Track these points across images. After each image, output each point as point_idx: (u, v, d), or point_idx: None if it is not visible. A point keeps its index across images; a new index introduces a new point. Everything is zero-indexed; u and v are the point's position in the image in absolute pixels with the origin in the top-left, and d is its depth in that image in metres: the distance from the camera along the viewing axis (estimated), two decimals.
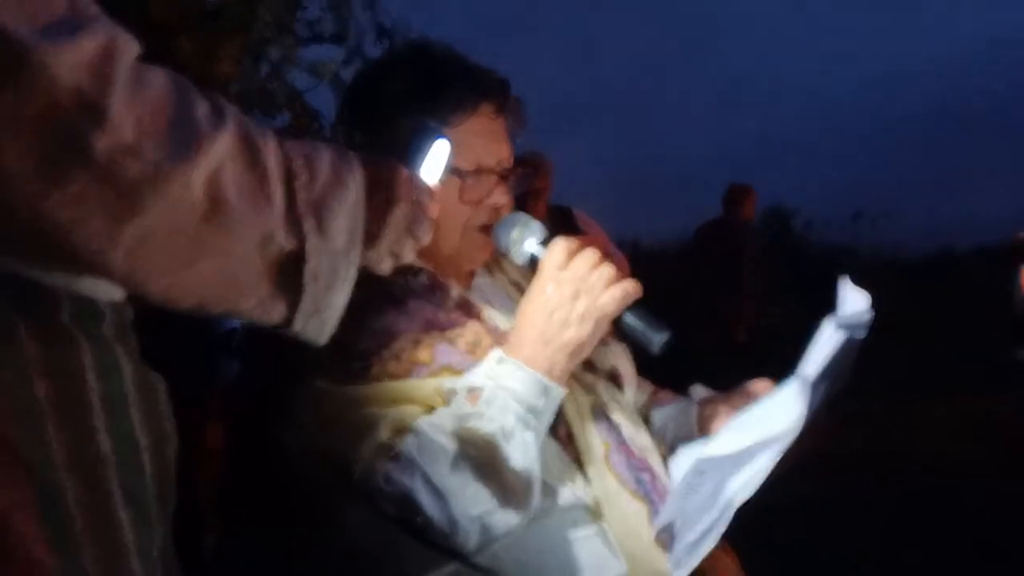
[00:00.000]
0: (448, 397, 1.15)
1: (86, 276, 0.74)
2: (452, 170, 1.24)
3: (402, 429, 1.12)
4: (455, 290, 1.29)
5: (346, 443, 1.13)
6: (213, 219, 0.72)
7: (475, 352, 1.21)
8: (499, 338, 1.23)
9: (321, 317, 0.85)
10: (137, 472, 0.80)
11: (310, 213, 0.80)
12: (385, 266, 0.96)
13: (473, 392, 1.14)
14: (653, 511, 1.23)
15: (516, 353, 1.16)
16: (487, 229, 1.29)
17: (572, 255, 1.18)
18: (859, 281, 1.21)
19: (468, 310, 1.28)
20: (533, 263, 1.23)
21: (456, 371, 1.18)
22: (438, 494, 1.09)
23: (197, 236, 0.72)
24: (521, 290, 1.38)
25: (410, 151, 1.06)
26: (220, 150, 0.72)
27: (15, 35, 0.62)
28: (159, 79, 0.70)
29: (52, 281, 0.74)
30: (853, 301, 1.20)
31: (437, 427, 1.12)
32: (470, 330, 1.24)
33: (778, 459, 1.14)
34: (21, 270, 0.72)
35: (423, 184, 1.00)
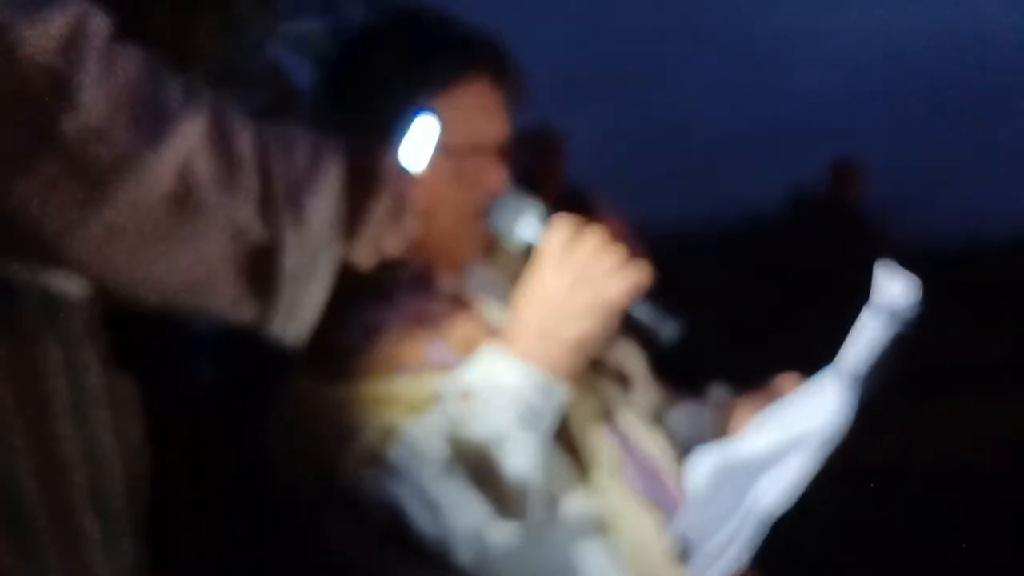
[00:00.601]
0: (439, 397, 1.09)
1: (51, 269, 0.73)
2: (443, 148, 1.17)
3: (390, 433, 1.07)
4: (447, 281, 1.22)
5: (331, 447, 1.08)
6: (184, 209, 0.71)
7: (469, 348, 1.14)
8: (495, 333, 1.17)
9: (299, 315, 0.82)
10: (106, 480, 0.78)
11: (287, 204, 0.77)
12: (368, 260, 0.92)
13: (466, 391, 1.08)
14: (666, 522, 1.17)
15: (512, 347, 1.09)
16: (482, 214, 1.21)
17: (573, 238, 1.11)
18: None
19: (461, 303, 1.22)
20: (531, 248, 1.16)
21: (447, 369, 1.12)
22: (430, 505, 1.04)
23: (167, 227, 0.71)
24: (519, 280, 1.32)
25: (394, 131, 1.01)
26: (192, 136, 0.71)
27: None
28: (132, 60, 0.69)
29: (18, 275, 0.72)
30: (895, 288, 1.13)
31: (427, 431, 1.06)
32: (462, 326, 1.18)
33: (816, 461, 1.08)
34: None
35: (408, 171, 0.96)
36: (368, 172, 0.88)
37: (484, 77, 1.20)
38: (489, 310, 1.24)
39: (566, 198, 3.43)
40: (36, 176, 0.65)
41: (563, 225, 1.12)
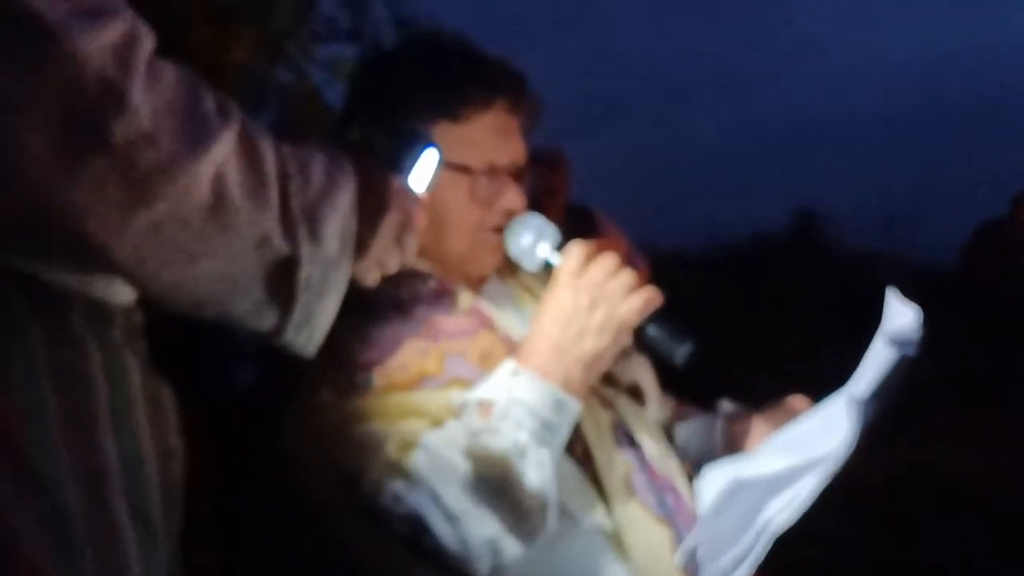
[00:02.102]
0: (458, 410, 1.13)
1: (94, 271, 0.76)
2: (463, 169, 1.23)
3: (410, 445, 1.10)
4: (465, 297, 1.26)
5: (353, 458, 1.11)
6: (217, 216, 0.74)
7: (487, 363, 1.18)
8: (512, 348, 1.20)
9: (311, 326, 0.86)
10: (143, 486, 0.80)
11: (303, 218, 0.81)
12: (372, 277, 0.96)
13: (485, 405, 1.11)
14: (678, 536, 1.20)
15: (530, 364, 1.13)
16: (499, 231, 1.26)
17: (589, 261, 1.15)
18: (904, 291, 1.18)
19: (479, 318, 1.25)
20: (547, 269, 1.21)
21: (466, 383, 1.15)
22: (449, 515, 1.07)
23: (202, 232, 0.74)
24: (536, 296, 1.35)
25: (402, 156, 1.05)
26: (226, 147, 0.74)
27: (47, 17, 0.65)
28: (171, 72, 0.73)
29: (63, 281, 0.76)
30: (901, 315, 1.16)
31: (447, 443, 1.09)
32: (482, 339, 1.21)
33: (823, 484, 1.11)
34: (31, 266, 0.74)
35: (412, 193, 0.99)
36: (378, 191, 0.92)
37: (502, 102, 1.25)
38: (507, 325, 1.27)
39: (569, 215, 3.47)
40: (86, 176, 0.67)
41: (579, 247, 1.17)
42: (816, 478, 1.11)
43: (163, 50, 0.74)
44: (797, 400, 1.36)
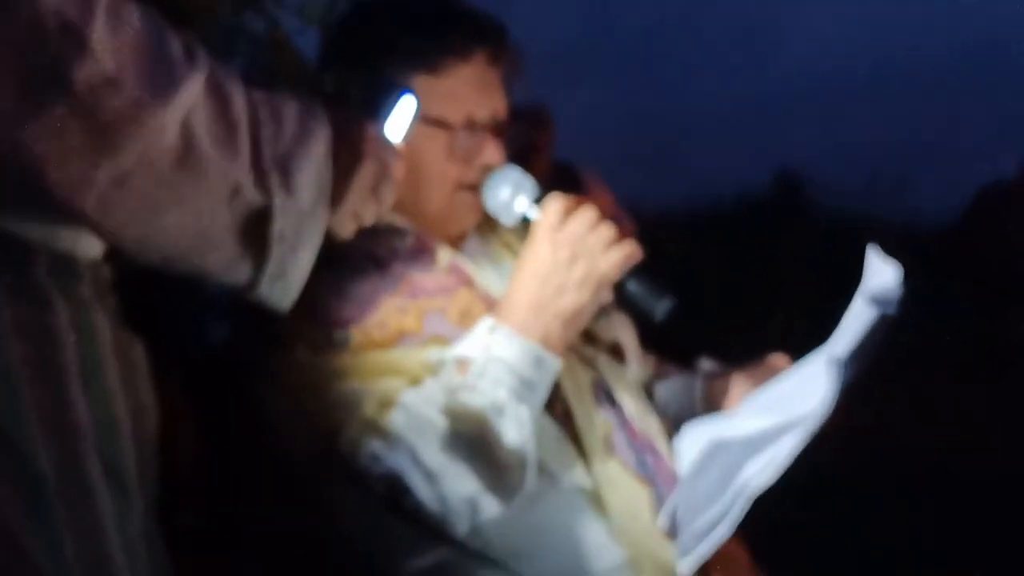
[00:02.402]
0: (436, 368, 1.11)
1: (58, 222, 0.74)
2: (440, 123, 1.20)
3: (389, 403, 1.09)
4: (444, 253, 1.24)
5: (330, 417, 1.10)
6: (186, 164, 0.72)
7: (466, 321, 1.16)
8: (492, 305, 1.19)
9: (286, 280, 0.84)
10: (116, 443, 0.79)
11: (276, 168, 0.79)
12: (347, 229, 0.95)
13: (463, 363, 1.10)
14: (657, 495, 1.20)
15: (508, 320, 1.12)
16: (477, 188, 1.24)
17: (568, 215, 1.13)
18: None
19: (458, 275, 1.23)
20: (525, 224, 1.19)
21: (446, 341, 1.14)
22: (428, 474, 1.06)
23: (170, 182, 0.72)
24: (516, 253, 1.32)
25: (378, 105, 1.03)
26: (194, 92, 0.72)
27: None
28: (135, 14, 0.70)
29: (29, 234, 0.73)
30: (881, 273, 1.16)
31: (425, 401, 1.08)
32: (461, 297, 1.20)
33: (802, 445, 1.10)
34: None
35: (389, 143, 0.97)
36: (352, 140, 0.90)
37: (482, 54, 1.23)
38: (487, 282, 1.26)
39: (555, 173, 3.43)
40: (47, 122, 0.65)
41: (557, 201, 1.15)
42: (794, 439, 1.11)
43: None
44: (778, 358, 1.35)
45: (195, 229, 0.76)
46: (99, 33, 0.66)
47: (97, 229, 0.74)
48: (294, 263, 0.83)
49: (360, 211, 0.94)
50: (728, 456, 1.15)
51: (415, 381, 1.11)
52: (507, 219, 1.22)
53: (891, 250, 1.19)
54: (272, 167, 0.79)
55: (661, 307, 1.14)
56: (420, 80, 1.20)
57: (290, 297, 0.86)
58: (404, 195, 1.22)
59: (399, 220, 1.24)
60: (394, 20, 1.23)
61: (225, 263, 0.80)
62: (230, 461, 1.22)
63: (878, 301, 1.12)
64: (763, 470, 1.12)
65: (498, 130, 1.25)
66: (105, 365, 0.79)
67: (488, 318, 1.13)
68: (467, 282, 1.23)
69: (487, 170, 1.24)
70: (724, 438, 1.14)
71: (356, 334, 1.13)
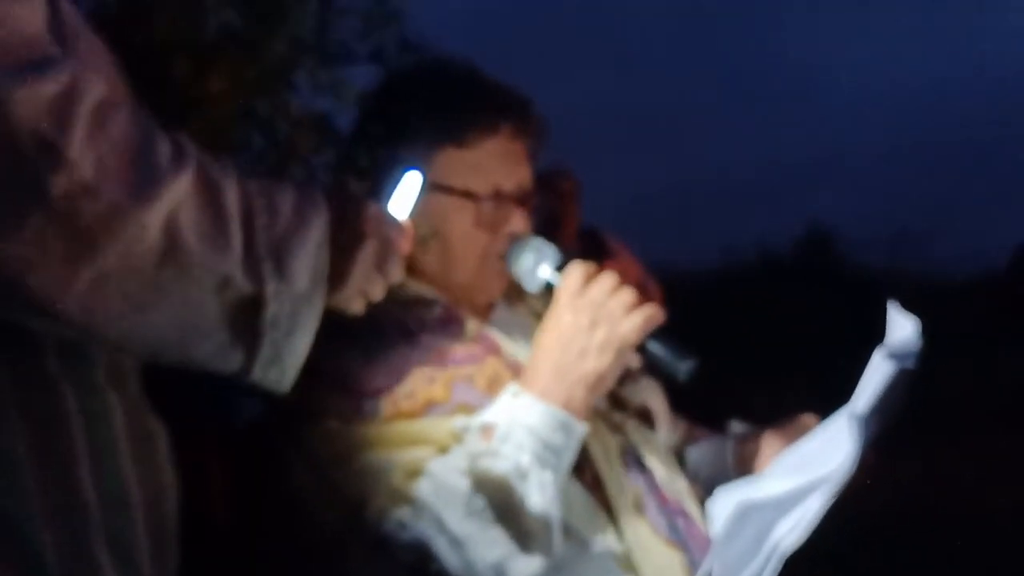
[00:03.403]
0: (461, 435, 1.10)
1: (41, 324, 0.73)
2: (468, 194, 1.21)
3: (416, 473, 1.07)
4: (471, 323, 1.23)
5: (359, 487, 1.08)
6: (170, 261, 0.71)
7: (493, 389, 1.15)
8: (519, 373, 1.17)
9: (282, 364, 0.82)
10: (127, 526, 0.78)
11: (269, 256, 0.78)
12: (356, 306, 0.94)
13: (487, 428, 1.08)
14: (690, 560, 1.16)
15: (531, 386, 1.10)
16: (504, 257, 1.23)
17: (589, 280, 1.13)
18: (905, 306, 1.15)
19: (486, 344, 1.22)
20: (548, 290, 1.18)
21: (473, 409, 1.12)
22: (454, 540, 1.04)
23: (154, 279, 0.71)
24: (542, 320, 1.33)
25: (384, 181, 1.03)
26: (179, 191, 0.72)
27: None
28: (122, 119, 0.71)
29: (37, 327, 0.73)
30: (901, 328, 1.13)
31: (450, 468, 1.07)
32: (488, 366, 1.19)
33: (829, 502, 1.08)
34: None
35: (392, 219, 0.97)
36: (352, 222, 0.89)
37: (508, 128, 1.23)
38: (514, 350, 1.24)
39: (581, 238, 3.43)
40: (25, 233, 0.65)
41: (578, 268, 1.15)
42: (821, 497, 1.08)
43: (143, 81, 0.73)
44: (807, 418, 1.32)
45: (182, 322, 0.75)
46: (77, 145, 0.67)
47: (77, 329, 0.73)
48: (289, 347, 0.82)
49: (367, 288, 0.94)
50: (758, 518, 1.12)
51: (443, 450, 1.10)
52: (531, 285, 1.21)
53: (918, 303, 1.17)
54: (265, 255, 0.78)
55: (684, 368, 1.12)
56: (448, 153, 1.21)
57: (287, 380, 0.84)
58: (433, 266, 1.23)
59: (428, 291, 1.24)
60: (423, 95, 1.24)
61: (215, 352, 0.79)
62: (260, 530, 1.20)
63: (897, 356, 1.10)
64: (793, 530, 1.09)
65: (524, 199, 1.25)
66: (118, 448, 0.79)
67: (513, 384, 1.12)
68: (495, 350, 1.22)
69: (513, 239, 1.23)
70: (753, 500, 1.11)
71: (386, 404, 1.12)
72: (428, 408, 1.13)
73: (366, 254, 0.90)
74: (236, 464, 1.23)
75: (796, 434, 1.27)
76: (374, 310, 1.12)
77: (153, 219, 0.70)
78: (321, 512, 1.11)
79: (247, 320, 0.78)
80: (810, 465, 1.10)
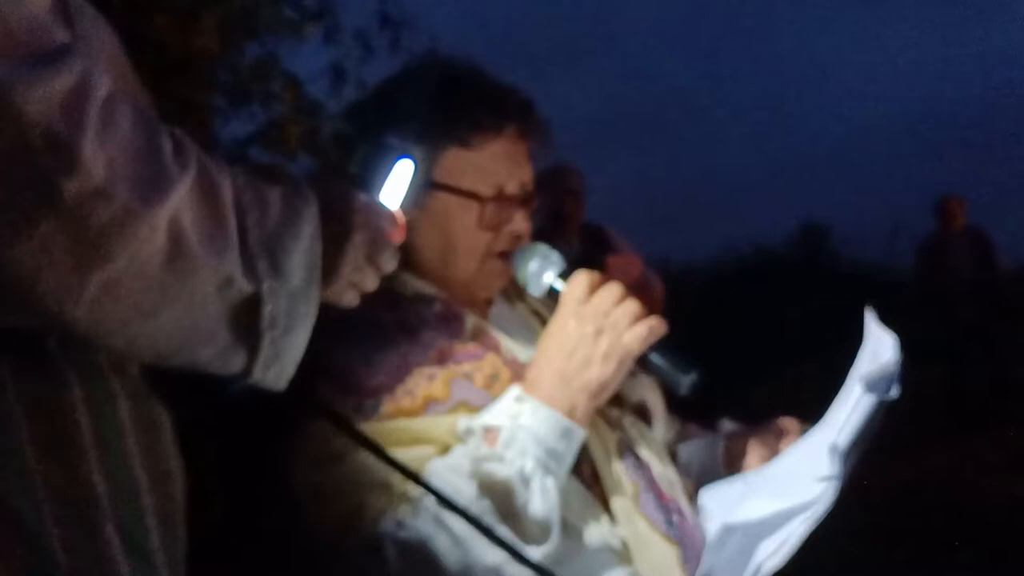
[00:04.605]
0: (464, 436, 1.09)
1: (48, 331, 0.70)
2: (472, 195, 1.20)
3: (417, 472, 1.05)
4: (471, 320, 1.22)
5: (357, 486, 1.07)
6: (176, 263, 0.68)
7: (493, 387, 1.14)
8: (518, 371, 1.17)
9: (281, 362, 0.80)
10: (137, 515, 0.76)
11: (263, 252, 0.75)
12: (348, 299, 0.92)
13: (491, 432, 1.08)
14: (685, 555, 1.16)
15: (535, 391, 1.10)
16: (506, 256, 1.23)
17: (594, 289, 1.13)
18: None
19: (485, 341, 1.21)
20: (553, 296, 1.18)
21: (473, 408, 1.12)
22: (454, 540, 1.03)
23: (160, 283, 0.68)
24: (541, 318, 1.32)
25: (376, 172, 1.01)
26: (184, 191, 0.69)
27: None
28: (128, 116, 0.67)
29: (44, 333, 0.70)
30: (878, 348, 1.14)
31: (453, 469, 1.06)
32: (488, 363, 1.18)
33: (812, 528, 1.09)
34: None
35: (383, 210, 0.94)
36: (339, 214, 0.87)
37: (511, 129, 1.22)
38: (512, 349, 1.23)
39: (584, 234, 3.42)
40: (33, 239, 0.61)
41: (584, 276, 1.15)
42: (804, 525, 1.10)
43: (127, 44, 0.69)
44: (787, 422, 1.34)
45: (187, 325, 0.72)
46: (89, 145, 0.62)
47: (84, 337, 0.69)
48: (287, 345, 0.80)
49: (359, 280, 0.91)
50: (740, 539, 1.14)
51: (443, 449, 1.09)
52: (536, 291, 1.22)
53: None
54: (259, 252, 0.75)
55: (686, 381, 1.13)
56: (452, 154, 1.20)
57: (285, 378, 0.82)
58: (434, 263, 1.22)
59: (427, 287, 1.23)
60: (427, 97, 1.22)
61: (218, 354, 0.76)
62: (256, 526, 1.19)
63: (876, 386, 1.10)
64: (775, 553, 1.11)
65: (526, 200, 1.25)
66: (124, 435, 0.76)
67: (516, 387, 1.12)
68: (494, 348, 1.21)
69: (515, 238, 1.23)
70: (734, 523, 1.14)
71: (386, 403, 1.11)
72: (427, 406, 1.11)
73: (356, 245, 0.88)
74: (234, 462, 1.22)
75: (776, 439, 1.31)
76: (373, 307, 1.11)
77: (160, 221, 0.66)
78: (319, 509, 1.10)
79: (247, 320, 0.76)
80: (791, 489, 1.12)
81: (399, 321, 1.17)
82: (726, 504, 1.17)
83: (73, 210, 0.62)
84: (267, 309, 0.76)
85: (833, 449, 1.09)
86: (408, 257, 1.22)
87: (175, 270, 0.68)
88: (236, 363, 0.78)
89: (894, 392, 1.12)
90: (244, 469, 1.19)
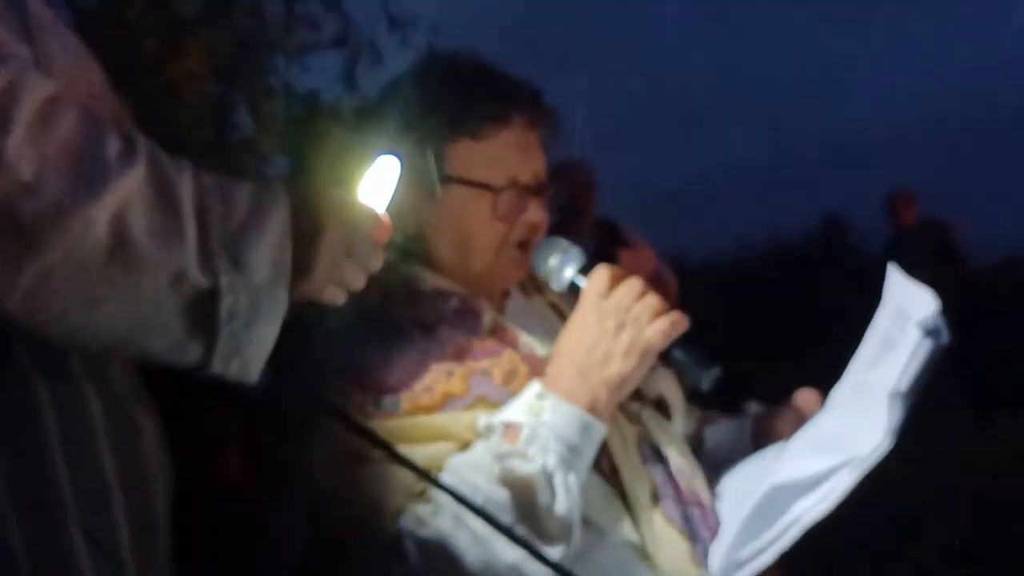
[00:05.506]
0: (485, 432, 1.08)
1: None
2: (484, 186, 1.19)
3: (436, 468, 1.05)
4: (488, 315, 1.21)
5: (377, 484, 1.06)
6: (119, 258, 0.71)
7: (511, 383, 1.13)
8: (536, 366, 1.16)
9: (242, 356, 0.80)
10: (105, 515, 0.77)
11: (224, 249, 0.77)
12: (332, 296, 0.91)
13: (511, 428, 1.06)
14: (700, 549, 1.14)
15: (555, 387, 1.08)
16: (522, 246, 1.22)
17: (615, 284, 1.11)
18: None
19: (503, 336, 1.20)
20: (573, 290, 1.17)
21: (492, 404, 1.11)
22: (475, 538, 1.02)
23: (102, 276, 0.71)
24: (559, 311, 1.30)
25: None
26: (128, 187, 0.71)
27: None
28: (69, 118, 0.70)
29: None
30: (909, 303, 1.10)
31: (473, 466, 1.05)
32: (506, 359, 1.16)
33: (858, 480, 1.05)
34: None
35: (362, 208, 0.94)
36: (310, 212, 0.87)
37: (520, 119, 1.21)
38: (530, 343, 1.22)
39: (598, 229, 3.39)
40: None
41: (604, 271, 1.13)
42: (852, 475, 1.06)
43: (115, 65, 0.72)
44: (805, 394, 1.31)
45: (135, 317, 0.74)
46: (15, 144, 0.66)
47: (24, 324, 0.72)
48: (249, 339, 0.80)
49: (342, 277, 0.91)
50: (786, 496, 1.10)
51: (463, 445, 1.08)
52: (557, 286, 1.21)
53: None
54: (220, 248, 0.77)
55: (707, 377, 1.12)
56: (463, 146, 1.19)
57: (252, 372, 0.82)
58: (451, 257, 1.22)
59: (444, 283, 1.22)
60: (437, 90, 1.22)
61: (171, 346, 0.77)
62: (278, 524, 1.18)
63: (932, 332, 1.07)
64: (819, 503, 1.08)
65: (539, 189, 1.24)
66: (95, 438, 0.78)
67: (536, 383, 1.11)
68: (512, 343, 1.20)
69: (530, 228, 1.22)
70: (784, 482, 1.09)
71: (405, 400, 1.10)
72: (446, 402, 1.11)
73: (330, 243, 0.88)
74: (254, 459, 1.21)
75: (799, 416, 1.27)
76: (391, 304, 1.09)
77: (99, 215, 0.69)
78: (339, 507, 1.09)
79: (203, 314, 0.77)
80: (841, 445, 1.08)
81: (417, 318, 1.16)
82: (751, 479, 1.13)
83: (1, 205, 0.66)
84: (225, 303, 0.77)
85: (894, 395, 1.05)
86: (424, 253, 1.22)
87: (119, 263, 0.71)
88: (191, 355, 0.79)
89: (945, 338, 1.08)
90: (266, 469, 1.18)
